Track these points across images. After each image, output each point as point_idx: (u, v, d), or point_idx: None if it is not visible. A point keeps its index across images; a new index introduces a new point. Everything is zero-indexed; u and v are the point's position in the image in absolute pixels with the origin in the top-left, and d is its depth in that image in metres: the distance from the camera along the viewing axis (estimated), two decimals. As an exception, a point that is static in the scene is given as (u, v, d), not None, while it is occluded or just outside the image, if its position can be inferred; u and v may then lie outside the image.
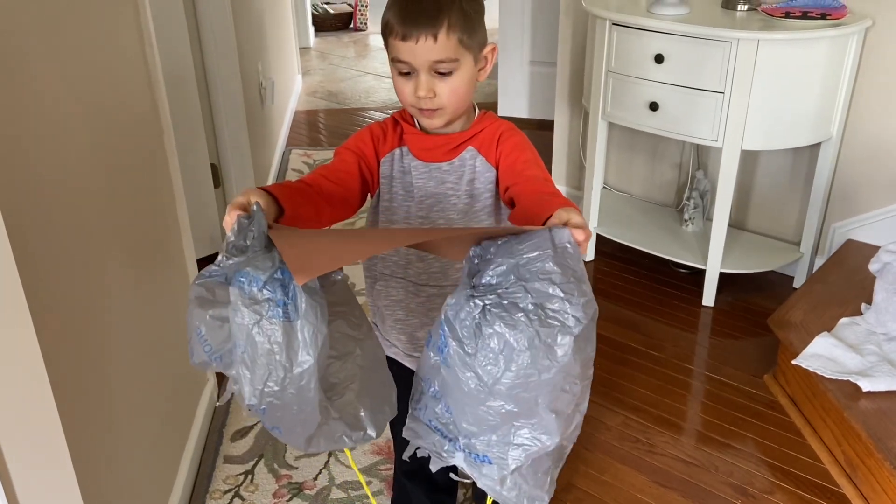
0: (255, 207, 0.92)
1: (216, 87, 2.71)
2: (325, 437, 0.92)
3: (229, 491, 1.82)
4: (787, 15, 2.28)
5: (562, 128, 3.12)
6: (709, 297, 2.55)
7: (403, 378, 1.34)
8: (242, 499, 1.79)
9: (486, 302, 0.84)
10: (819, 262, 2.56)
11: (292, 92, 4.64)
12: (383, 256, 1.25)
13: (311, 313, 0.85)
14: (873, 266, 2.01)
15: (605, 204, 2.87)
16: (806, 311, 2.13)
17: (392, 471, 1.80)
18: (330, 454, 1.92)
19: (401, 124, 1.23)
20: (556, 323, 0.83)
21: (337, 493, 1.81)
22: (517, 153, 1.18)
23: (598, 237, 2.83)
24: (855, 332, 1.98)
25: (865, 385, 1.79)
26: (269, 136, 3.52)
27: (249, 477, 1.86)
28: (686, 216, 2.74)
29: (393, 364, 1.33)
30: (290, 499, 1.79)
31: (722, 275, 2.52)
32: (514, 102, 4.18)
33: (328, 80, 5.25)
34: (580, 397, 0.90)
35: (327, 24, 6.62)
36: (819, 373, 1.87)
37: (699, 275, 2.60)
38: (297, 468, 1.88)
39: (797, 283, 2.62)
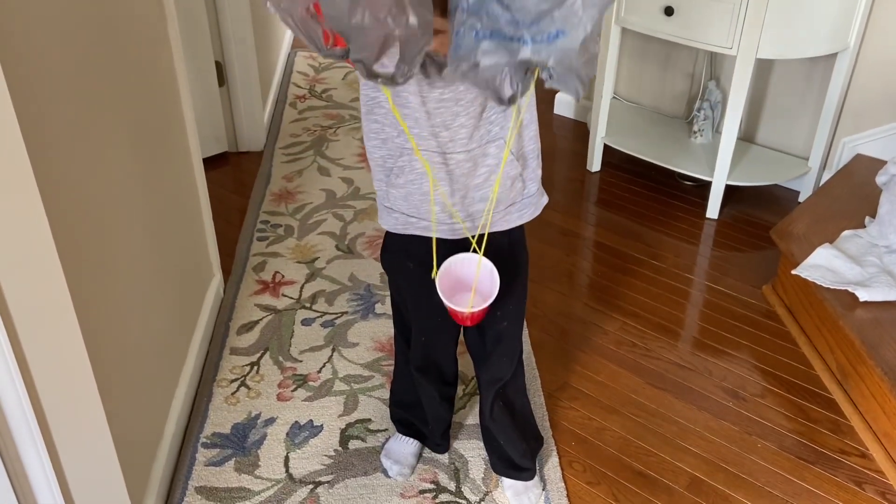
0: None
1: (220, -18, 2.64)
2: (370, 9, 0.88)
3: (236, 380, 1.87)
4: (814, -84, 2.19)
5: (573, 34, 3.05)
6: (713, 210, 2.55)
7: (439, 253, 1.36)
8: (248, 388, 1.85)
9: None
10: (827, 177, 2.55)
11: (298, -7, 4.51)
12: (407, 128, 1.23)
13: None
14: (880, 178, 2.00)
15: (613, 114, 2.83)
16: (809, 223, 2.13)
17: (392, 367, 1.84)
18: (333, 349, 1.97)
19: None
20: None
21: (340, 385, 1.86)
22: None
23: (606, 148, 2.81)
24: (857, 244, 1.99)
25: (863, 295, 1.81)
26: (275, 38, 3.45)
27: (255, 368, 1.91)
28: (696, 128, 2.71)
29: (425, 244, 1.33)
30: (295, 389, 1.85)
31: (728, 188, 2.52)
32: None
33: (335, -18, 5.10)
34: None
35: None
36: (818, 282, 1.89)
37: (705, 187, 2.59)
38: (301, 361, 1.94)
39: (803, 198, 2.61)
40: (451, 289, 1.27)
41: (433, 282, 1.37)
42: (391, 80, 0.94)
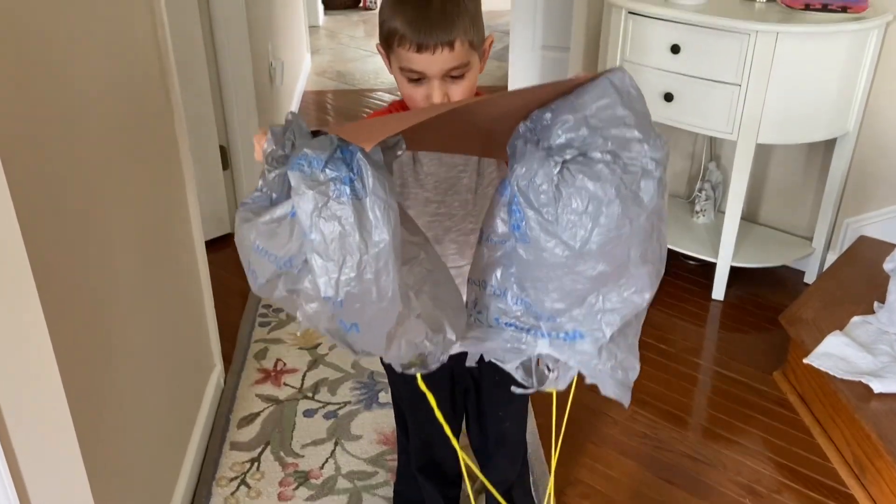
0: (289, 115, 0.86)
1: (226, 68, 2.69)
2: (406, 338, 0.87)
3: (235, 478, 1.81)
4: (807, 7, 2.24)
5: (573, 115, 3.09)
6: (718, 291, 2.53)
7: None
8: (248, 486, 1.79)
9: (566, 157, 0.81)
10: (831, 258, 2.54)
11: (301, 72, 4.60)
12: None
13: (379, 188, 0.79)
14: (888, 265, 1.98)
15: (615, 194, 2.84)
16: (818, 308, 2.11)
17: (396, 462, 1.79)
18: (336, 443, 1.92)
19: None
20: (636, 169, 0.80)
21: (343, 483, 1.80)
22: None
23: (608, 227, 2.81)
24: (867, 332, 1.97)
25: (877, 386, 1.78)
26: (278, 118, 3.50)
27: (256, 464, 1.86)
28: (697, 208, 2.72)
29: None
30: (297, 487, 1.79)
31: (732, 268, 2.50)
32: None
33: (337, 59, 5.20)
34: (665, 241, 0.88)
35: (336, 2, 6.55)
36: (830, 372, 1.85)
37: (708, 267, 2.58)
38: (303, 456, 1.88)
39: (808, 279, 2.60)
40: None
41: (430, 375, 1.34)
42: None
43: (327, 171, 0.79)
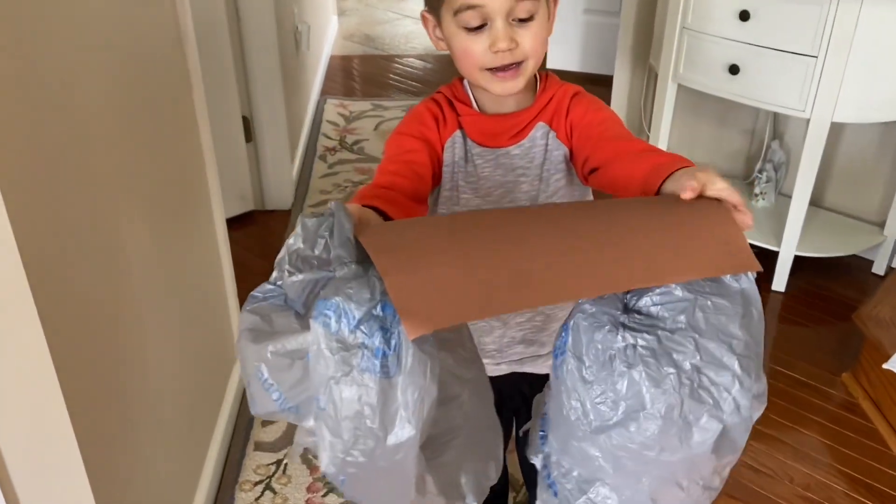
0: (332, 205, 0.70)
1: (249, 34, 2.51)
2: None
3: (260, 482, 1.68)
4: (895, -31, 2.00)
5: (621, 87, 2.88)
6: (780, 282, 2.34)
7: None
8: (274, 492, 1.66)
9: (639, 343, 0.65)
10: (903, 247, 2.33)
11: (327, 35, 4.40)
12: None
13: (418, 371, 0.62)
14: (982, 262, 1.78)
15: (665, 172, 2.64)
16: (895, 306, 1.92)
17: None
18: (368, 445, 1.78)
19: (455, 104, 1.03)
20: (708, 399, 0.63)
21: (375, 490, 1.67)
22: (591, 115, 0.99)
23: (657, 209, 2.62)
24: (955, 335, 1.78)
25: (971, 400, 1.60)
26: (303, 85, 3.32)
27: (281, 467, 1.72)
28: (757, 190, 2.51)
29: None
30: (326, 494, 1.66)
31: (794, 257, 2.31)
32: (566, 54, 3.90)
33: (365, 22, 4.99)
34: None
35: (364, -38, 6.30)
36: (915, 381, 1.68)
37: (768, 255, 2.38)
38: (332, 459, 1.74)
39: (877, 269, 2.40)
40: None
41: None
42: None
43: (358, 333, 0.62)
